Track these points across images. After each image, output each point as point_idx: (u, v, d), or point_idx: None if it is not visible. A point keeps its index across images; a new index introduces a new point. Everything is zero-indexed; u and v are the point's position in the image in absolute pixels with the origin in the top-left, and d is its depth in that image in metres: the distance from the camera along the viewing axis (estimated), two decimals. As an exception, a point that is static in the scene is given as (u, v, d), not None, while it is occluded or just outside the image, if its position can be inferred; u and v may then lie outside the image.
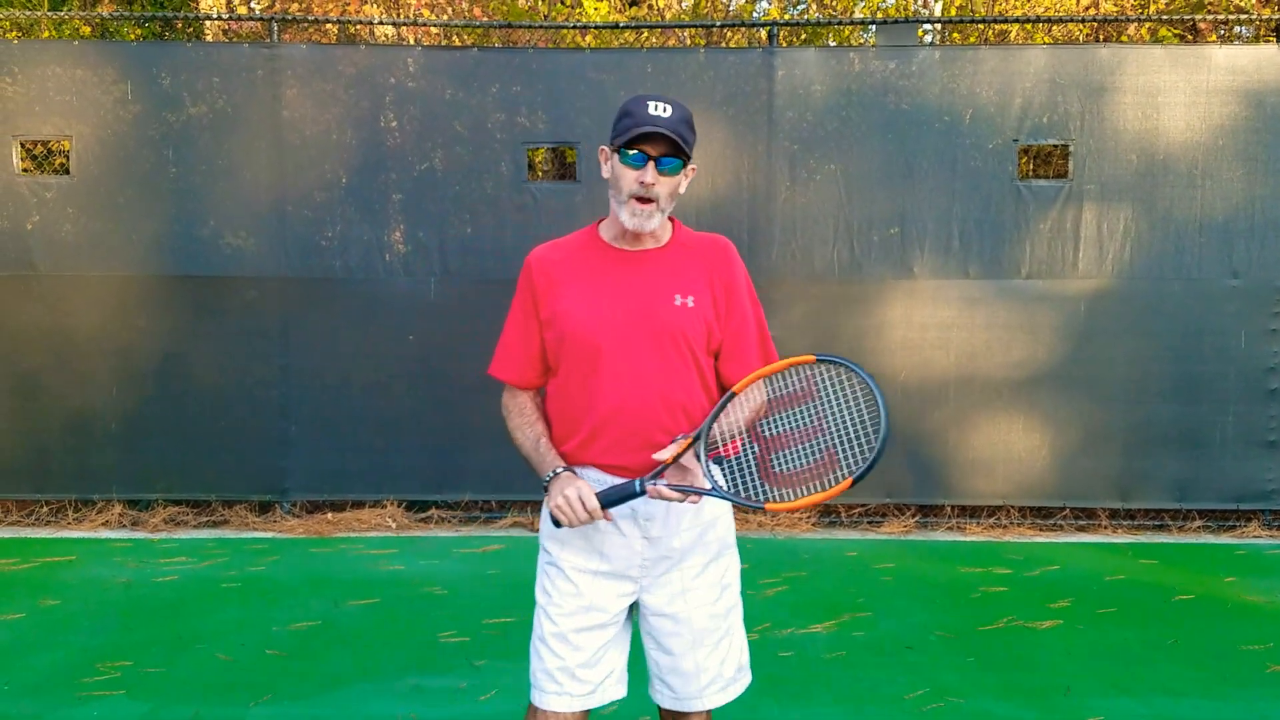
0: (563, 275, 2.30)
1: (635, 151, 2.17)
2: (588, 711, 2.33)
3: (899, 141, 6.07)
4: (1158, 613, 4.72)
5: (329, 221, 6.13)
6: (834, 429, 2.14)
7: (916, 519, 6.26)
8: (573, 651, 2.28)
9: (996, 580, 5.20)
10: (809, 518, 6.22)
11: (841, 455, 2.11)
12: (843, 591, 5.00)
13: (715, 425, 2.20)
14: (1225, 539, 6.02)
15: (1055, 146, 6.40)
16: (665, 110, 2.17)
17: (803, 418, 2.19)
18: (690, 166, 2.27)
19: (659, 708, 2.42)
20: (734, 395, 2.21)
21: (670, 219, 2.33)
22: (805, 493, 2.12)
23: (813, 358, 2.18)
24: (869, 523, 6.25)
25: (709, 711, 2.38)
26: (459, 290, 6.16)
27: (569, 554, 2.32)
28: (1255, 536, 6.03)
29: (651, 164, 2.17)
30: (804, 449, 2.17)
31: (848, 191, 6.09)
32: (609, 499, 2.14)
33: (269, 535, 5.99)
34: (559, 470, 2.23)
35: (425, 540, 5.91)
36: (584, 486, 2.15)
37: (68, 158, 6.17)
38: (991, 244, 6.07)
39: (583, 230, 2.39)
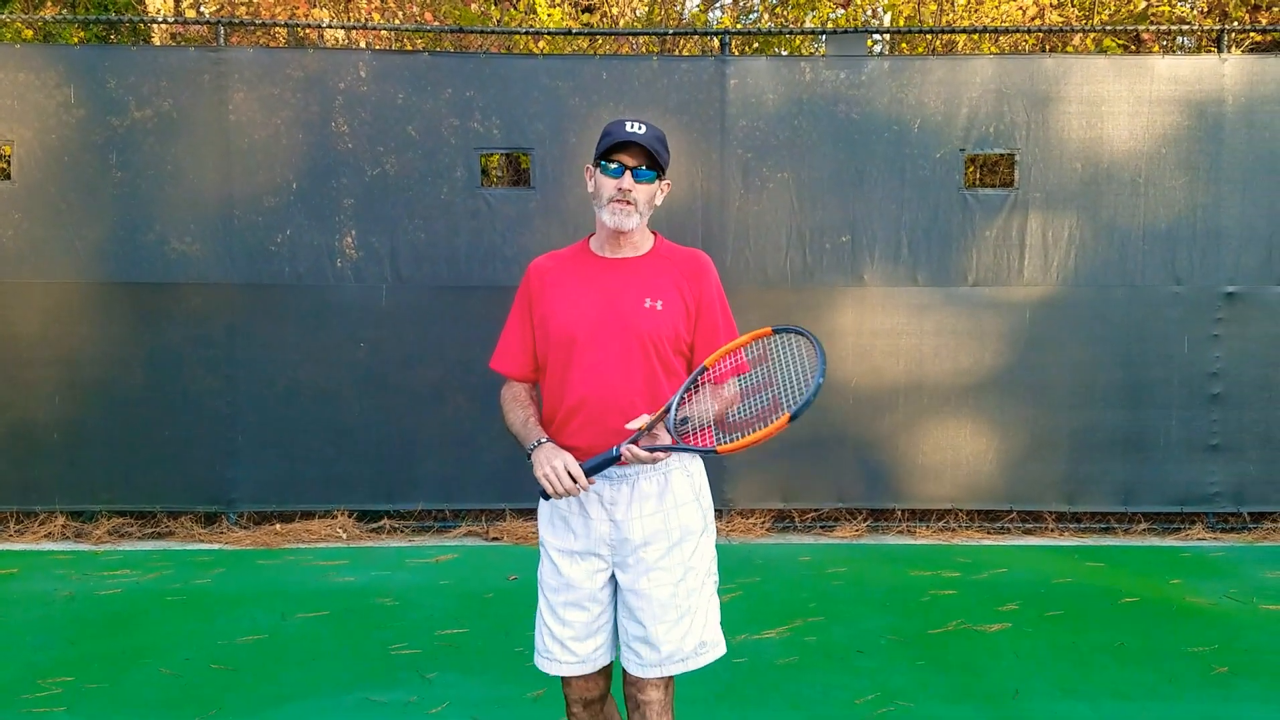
0: (553, 280, 2.61)
1: (614, 164, 2.47)
2: (608, 674, 2.66)
3: (849, 150, 6.12)
4: (1104, 615, 4.80)
5: (278, 227, 6.05)
6: (780, 382, 2.41)
7: (868, 523, 6.31)
8: (561, 626, 2.57)
9: (946, 584, 5.26)
10: (764, 523, 6.25)
11: (784, 400, 2.37)
12: (795, 597, 5.03)
13: (689, 408, 2.45)
14: (1170, 541, 6.13)
15: (1001, 156, 6.49)
16: (640, 128, 2.48)
17: (755, 378, 2.48)
18: (665, 181, 2.57)
19: (624, 671, 2.63)
20: (705, 369, 2.48)
21: (654, 233, 2.63)
22: (749, 433, 2.36)
23: (770, 330, 2.48)
24: (822, 527, 6.29)
25: (669, 681, 2.58)
26: (411, 297, 6.11)
27: (551, 535, 2.62)
28: (1199, 539, 6.15)
29: (628, 173, 2.47)
30: (753, 401, 2.44)
31: (799, 199, 6.13)
32: (592, 466, 2.38)
33: (215, 547, 5.89)
34: (541, 441, 2.49)
35: (377, 551, 5.85)
36: (567, 456, 2.40)
37: (9, 163, 6.04)
38: (939, 252, 6.14)
39: (575, 244, 2.69)
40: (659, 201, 2.57)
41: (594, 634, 2.58)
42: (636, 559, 2.53)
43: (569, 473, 2.37)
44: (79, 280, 6.03)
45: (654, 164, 2.49)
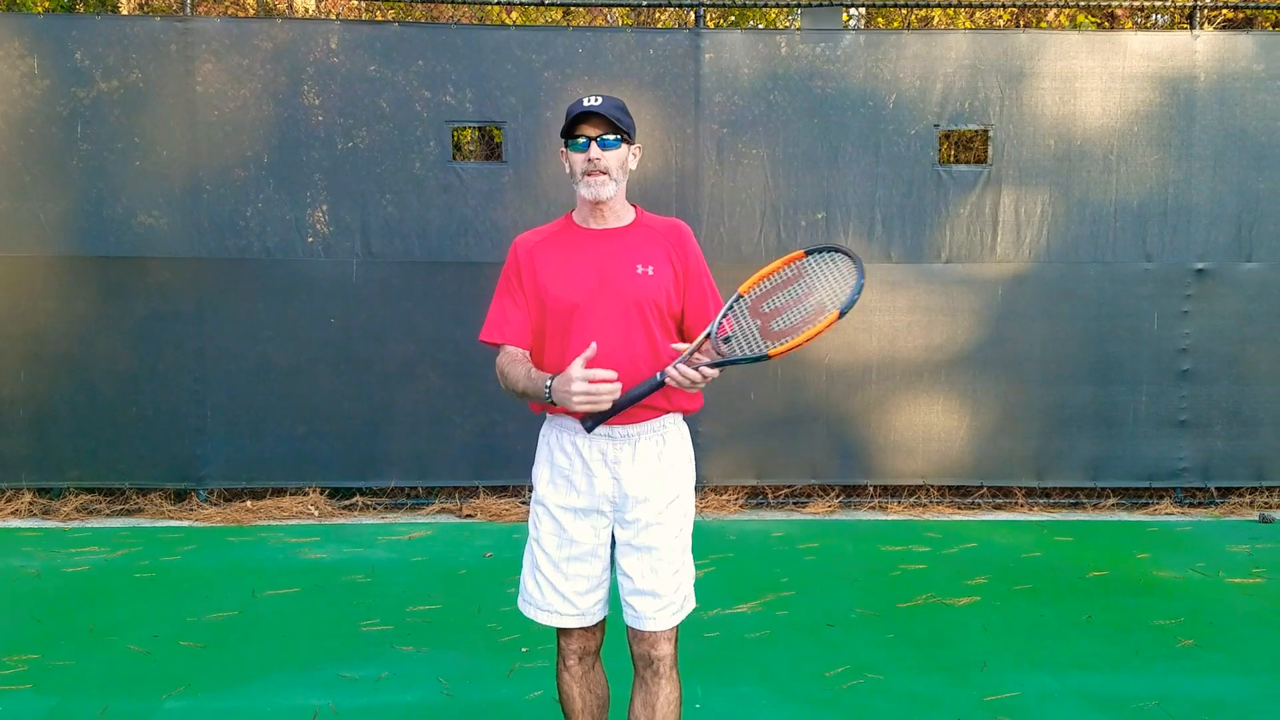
0: (543, 255, 2.68)
1: (579, 138, 2.57)
2: (604, 627, 2.76)
3: (824, 126, 6.10)
4: (1072, 589, 4.85)
5: (247, 200, 5.98)
6: (821, 289, 2.51)
7: (840, 499, 6.34)
8: (566, 580, 2.67)
9: (916, 558, 5.30)
10: (737, 500, 6.27)
11: (829, 302, 2.46)
12: (768, 572, 5.05)
13: (730, 329, 2.52)
14: (1138, 516, 6.20)
15: (975, 132, 6.49)
16: (597, 99, 2.59)
17: (796, 291, 2.56)
18: (635, 145, 2.68)
19: (626, 625, 2.70)
20: (740, 297, 2.59)
21: (634, 206, 2.73)
22: (799, 334, 2.44)
23: (802, 253, 2.59)
24: (794, 504, 6.32)
25: (673, 632, 2.67)
26: (382, 272, 6.06)
27: (552, 492, 2.69)
28: (1167, 514, 6.22)
29: (593, 143, 2.56)
30: (798, 309, 2.52)
31: (774, 175, 6.11)
32: (634, 396, 2.45)
33: (185, 524, 5.85)
34: (549, 381, 2.51)
35: (349, 528, 5.83)
36: (575, 368, 2.42)
37: (-31, 134, 5.92)
38: (913, 228, 6.15)
39: (558, 219, 2.77)
40: (633, 166, 2.67)
41: (596, 588, 2.69)
42: (637, 515, 2.63)
43: (596, 380, 2.41)
44: (45, 254, 5.93)
45: (616, 129, 2.57)
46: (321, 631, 4.25)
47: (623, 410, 2.49)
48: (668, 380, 2.44)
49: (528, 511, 2.84)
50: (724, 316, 2.54)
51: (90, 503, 6.06)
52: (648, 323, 2.62)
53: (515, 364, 2.66)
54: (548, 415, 2.76)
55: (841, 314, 2.39)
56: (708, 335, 2.50)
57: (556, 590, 2.67)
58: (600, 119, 2.57)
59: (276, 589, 4.75)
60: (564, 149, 2.66)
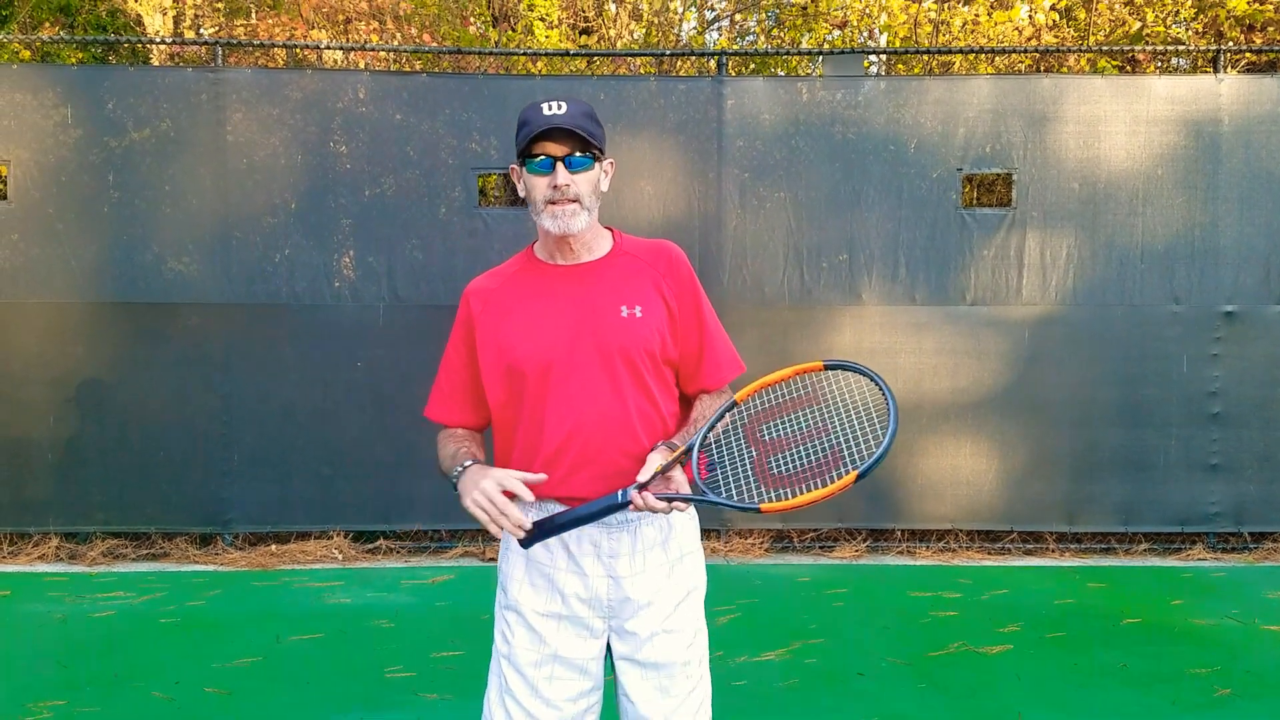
0: (501, 302, 2.18)
1: (540, 157, 2.05)
2: None
3: (846, 170, 6.13)
4: (1106, 636, 4.76)
5: (275, 246, 6.04)
6: (839, 429, 2.02)
7: (867, 543, 6.28)
8: (545, 707, 2.11)
9: (946, 604, 5.22)
10: (762, 543, 6.21)
11: (845, 452, 1.96)
12: (795, 618, 4.99)
13: (714, 452, 2.07)
14: (1171, 562, 6.10)
15: (998, 175, 6.50)
16: (560, 107, 2.05)
17: (805, 420, 2.07)
18: (608, 161, 2.17)
19: None
20: (735, 405, 2.10)
21: (610, 229, 2.24)
22: (805, 490, 1.94)
23: (821, 365, 2.11)
24: (821, 547, 6.26)
25: None
26: (409, 316, 6.09)
27: (528, 595, 2.15)
28: (1200, 559, 6.12)
29: (559, 165, 2.05)
30: (805, 449, 2.03)
31: (797, 219, 6.13)
32: (590, 513, 1.97)
33: (210, 568, 5.85)
34: (467, 464, 2.05)
35: (372, 572, 5.81)
36: (503, 474, 1.95)
37: (6, 183, 6.03)
38: (937, 270, 6.14)
39: (517, 255, 2.28)
40: (605, 187, 2.17)
41: (584, 714, 2.15)
42: (640, 623, 2.12)
43: (497, 505, 1.92)
44: (76, 300, 6.01)
45: (586, 146, 2.06)
46: (345, 678, 4.23)
47: (568, 529, 2.00)
48: (633, 502, 1.95)
49: None
50: (710, 429, 2.07)
51: (116, 547, 6.07)
52: (642, 379, 2.11)
53: (446, 442, 2.23)
54: (519, 500, 2.12)
55: (861, 476, 1.89)
56: (688, 450, 2.03)
57: (537, 697, 2.12)
58: (567, 134, 2.04)
59: (300, 634, 4.73)
60: (517, 168, 2.13)
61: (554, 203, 2.05)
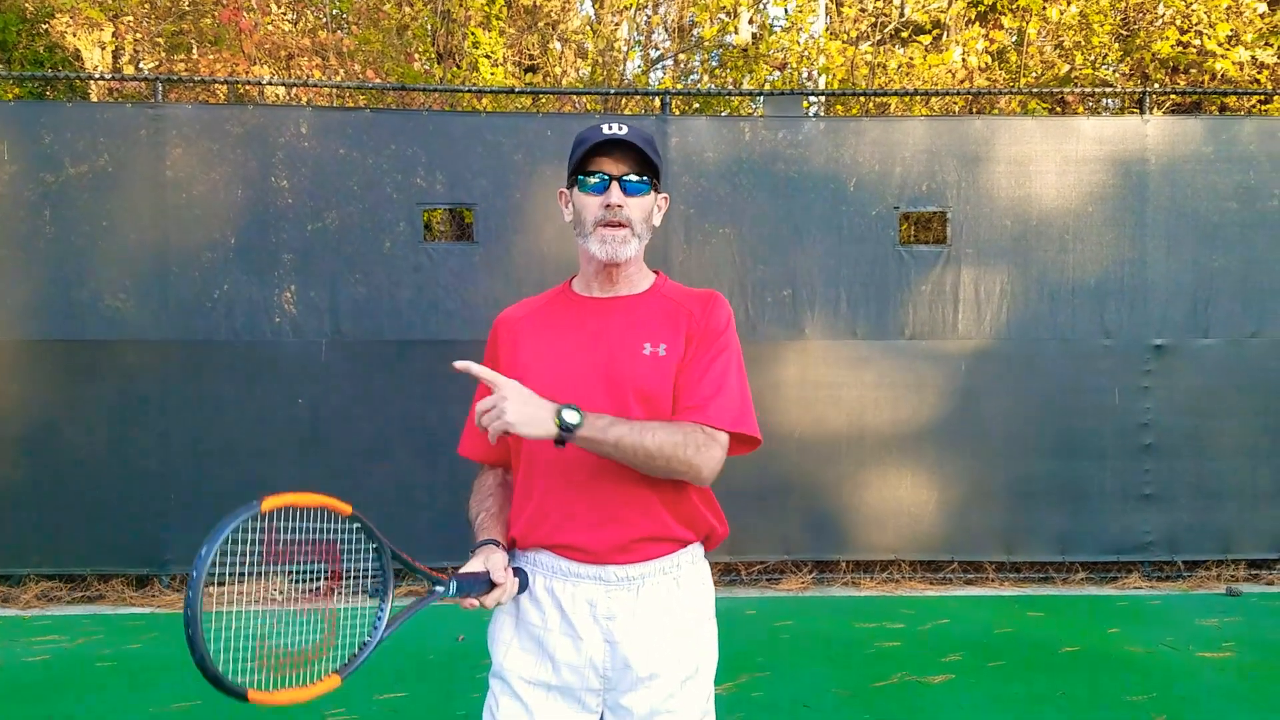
0: (526, 332, 2.03)
1: (595, 176, 1.92)
2: None
3: (788, 207, 6.23)
4: (1045, 665, 4.83)
5: (214, 282, 5.98)
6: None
7: (813, 575, 6.32)
8: None
9: (890, 635, 5.27)
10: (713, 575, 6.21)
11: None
12: (742, 651, 5.00)
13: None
14: (1107, 590, 6.22)
15: (934, 213, 6.65)
16: (622, 128, 1.90)
17: (309, 576, 1.77)
18: (663, 195, 2.04)
19: None
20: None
21: (656, 272, 2.11)
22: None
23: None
24: (768, 580, 6.28)
25: None
26: (351, 352, 6.05)
27: (515, 659, 1.97)
28: (1136, 588, 6.24)
29: (614, 184, 1.91)
30: (300, 623, 1.77)
31: (741, 254, 6.21)
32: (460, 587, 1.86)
33: (147, 611, 5.71)
34: (475, 548, 1.93)
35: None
36: (494, 559, 1.87)
37: (-65, 217, 5.91)
38: (877, 306, 6.25)
39: (557, 286, 2.14)
40: (657, 222, 2.03)
41: None
42: (638, 698, 1.91)
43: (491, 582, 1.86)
44: (9, 338, 5.88)
45: (646, 168, 1.93)
46: (286, 720, 4.15)
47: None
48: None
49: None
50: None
51: (51, 589, 5.91)
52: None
53: (474, 501, 2.09)
54: (515, 550, 2.03)
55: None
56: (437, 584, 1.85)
57: None
58: (627, 151, 1.90)
59: (239, 677, 4.62)
60: (568, 191, 2.00)
61: (605, 225, 1.92)
